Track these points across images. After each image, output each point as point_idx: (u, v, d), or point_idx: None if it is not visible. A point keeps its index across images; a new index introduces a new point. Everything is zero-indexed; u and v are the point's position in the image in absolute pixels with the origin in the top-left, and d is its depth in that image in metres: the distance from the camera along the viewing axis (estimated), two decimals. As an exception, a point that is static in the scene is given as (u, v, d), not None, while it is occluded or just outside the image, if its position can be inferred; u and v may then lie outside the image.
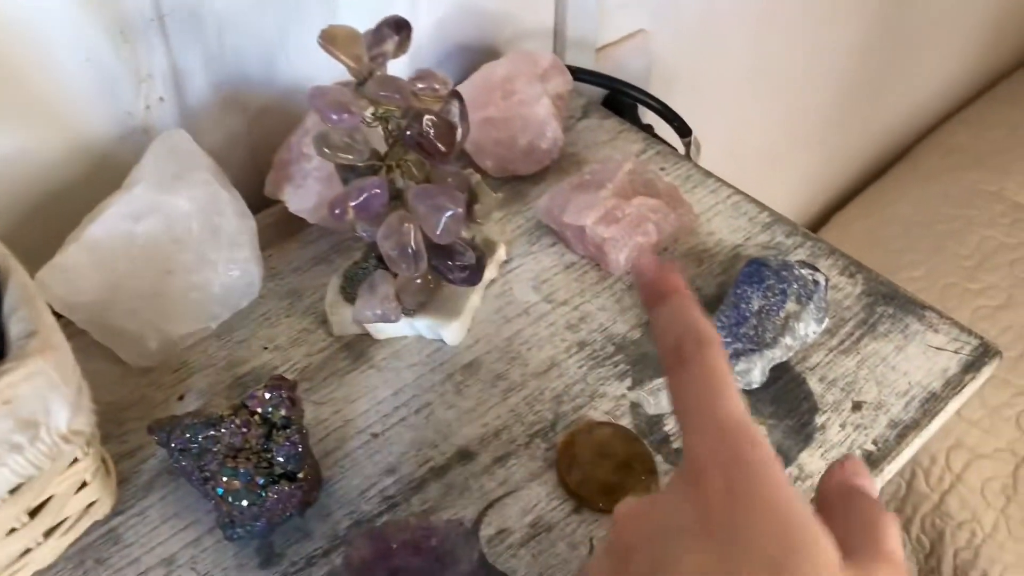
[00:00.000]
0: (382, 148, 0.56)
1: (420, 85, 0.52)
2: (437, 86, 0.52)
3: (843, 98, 1.48)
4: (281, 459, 0.51)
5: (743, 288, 0.61)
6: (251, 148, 0.73)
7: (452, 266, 0.57)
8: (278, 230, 0.72)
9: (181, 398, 0.61)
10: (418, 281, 0.58)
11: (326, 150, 0.51)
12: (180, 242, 0.59)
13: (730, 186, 0.75)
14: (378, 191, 0.51)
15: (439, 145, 0.51)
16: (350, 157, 0.52)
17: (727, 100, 1.24)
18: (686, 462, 0.31)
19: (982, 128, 1.63)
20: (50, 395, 0.46)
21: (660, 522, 0.31)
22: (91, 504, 0.54)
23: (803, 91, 1.38)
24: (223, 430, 0.52)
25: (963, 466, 1.17)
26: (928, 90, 1.69)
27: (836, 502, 0.34)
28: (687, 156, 0.80)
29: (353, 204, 0.51)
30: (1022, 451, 1.17)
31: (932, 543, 1.18)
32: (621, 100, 0.89)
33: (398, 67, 0.70)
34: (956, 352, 0.62)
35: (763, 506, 0.29)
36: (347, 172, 0.55)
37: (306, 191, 0.66)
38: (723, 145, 1.25)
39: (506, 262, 0.69)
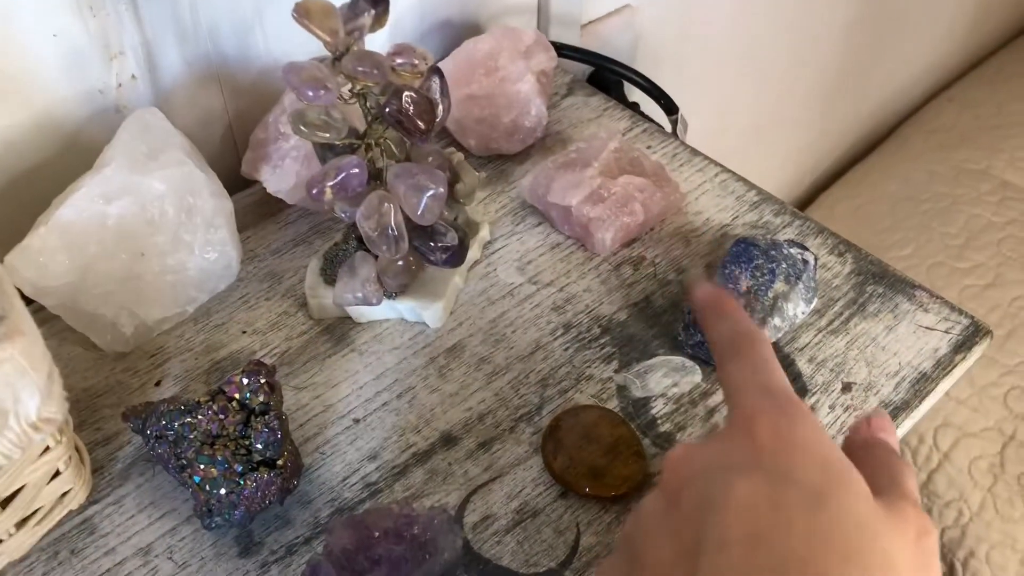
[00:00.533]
0: (361, 126, 0.55)
1: (399, 60, 0.50)
2: (416, 61, 0.50)
3: (830, 77, 1.47)
4: (260, 446, 0.50)
5: (731, 268, 0.60)
6: (227, 127, 0.71)
7: (434, 247, 0.55)
8: (256, 211, 0.70)
9: (158, 384, 0.59)
10: (399, 263, 0.57)
11: (303, 128, 0.49)
12: (154, 224, 0.57)
13: (718, 164, 0.73)
14: (356, 170, 0.50)
15: (419, 122, 0.50)
16: (327, 135, 0.50)
17: (713, 78, 1.22)
18: (735, 417, 0.35)
19: (968, 106, 1.62)
20: (19, 382, 0.44)
21: (710, 461, 0.34)
22: (65, 493, 0.52)
23: (790, 70, 1.37)
24: (200, 417, 0.50)
25: (950, 445, 1.17)
26: (914, 69, 1.68)
27: (861, 450, 0.38)
28: (674, 134, 0.79)
29: (331, 184, 0.49)
30: (1009, 430, 1.17)
31: (919, 522, 1.18)
32: (606, 77, 0.87)
33: (377, 43, 0.69)
34: (947, 332, 0.61)
35: (806, 445, 0.33)
36: (325, 151, 0.53)
37: (284, 171, 0.65)
38: (708, 124, 1.23)
39: (489, 243, 0.68)
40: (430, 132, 0.51)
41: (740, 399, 0.36)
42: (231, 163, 0.70)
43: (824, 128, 1.56)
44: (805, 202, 1.65)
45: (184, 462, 0.50)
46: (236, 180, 0.69)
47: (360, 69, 0.48)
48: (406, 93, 0.50)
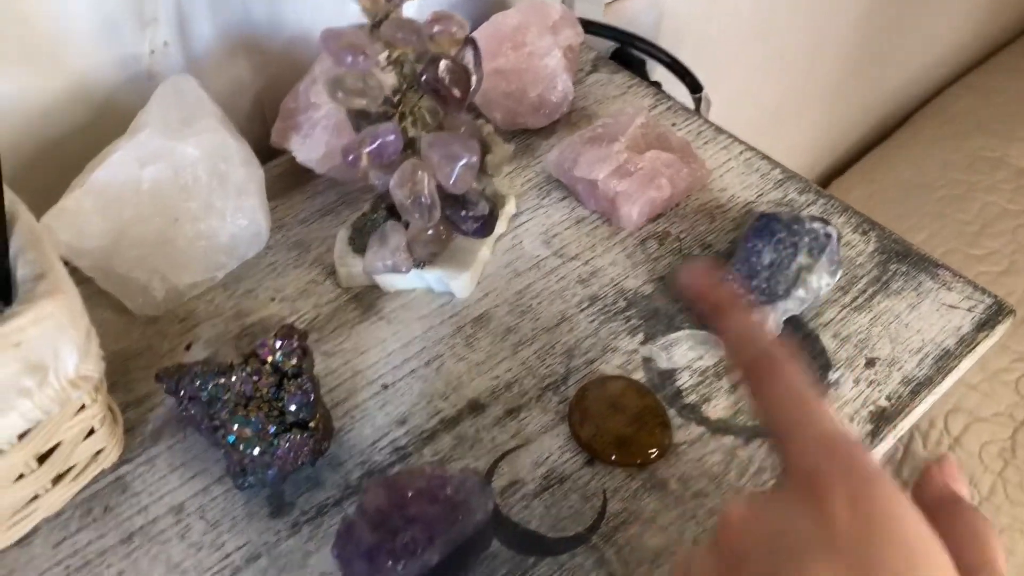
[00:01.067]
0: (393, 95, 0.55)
1: (437, 28, 0.50)
2: (454, 29, 0.50)
3: (848, 62, 1.47)
4: (293, 408, 0.51)
5: (754, 242, 0.61)
6: (257, 96, 0.72)
7: (465, 216, 0.56)
8: (283, 182, 0.71)
9: (188, 348, 0.60)
10: (430, 232, 0.57)
11: (340, 94, 0.50)
12: (187, 189, 0.57)
13: (742, 142, 0.74)
14: (392, 137, 0.50)
15: (454, 91, 0.50)
16: (364, 102, 0.51)
17: (733, 60, 1.22)
18: (797, 473, 0.31)
19: (985, 94, 1.62)
20: (59, 339, 0.45)
21: (778, 531, 0.30)
22: (99, 452, 0.53)
23: (809, 54, 1.37)
24: (233, 378, 0.51)
25: (961, 429, 1.17)
26: (931, 56, 1.68)
27: (940, 511, 0.33)
28: (697, 112, 0.79)
29: (367, 150, 0.50)
30: (1021, 415, 1.17)
31: (928, 506, 1.18)
32: (629, 56, 0.87)
33: (408, 14, 0.69)
34: (969, 311, 0.62)
35: (888, 523, 0.29)
36: (359, 118, 0.53)
37: (314, 141, 0.65)
38: (726, 106, 1.23)
39: (515, 216, 0.68)
40: (465, 101, 0.51)
41: (795, 446, 0.32)
42: (259, 133, 0.71)
43: (839, 114, 1.56)
44: (820, 186, 1.64)
45: (217, 423, 0.51)
46: (263, 151, 0.69)
47: (399, 35, 0.48)
48: (443, 61, 0.50)
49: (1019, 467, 1.14)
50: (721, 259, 0.64)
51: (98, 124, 0.62)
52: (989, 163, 1.45)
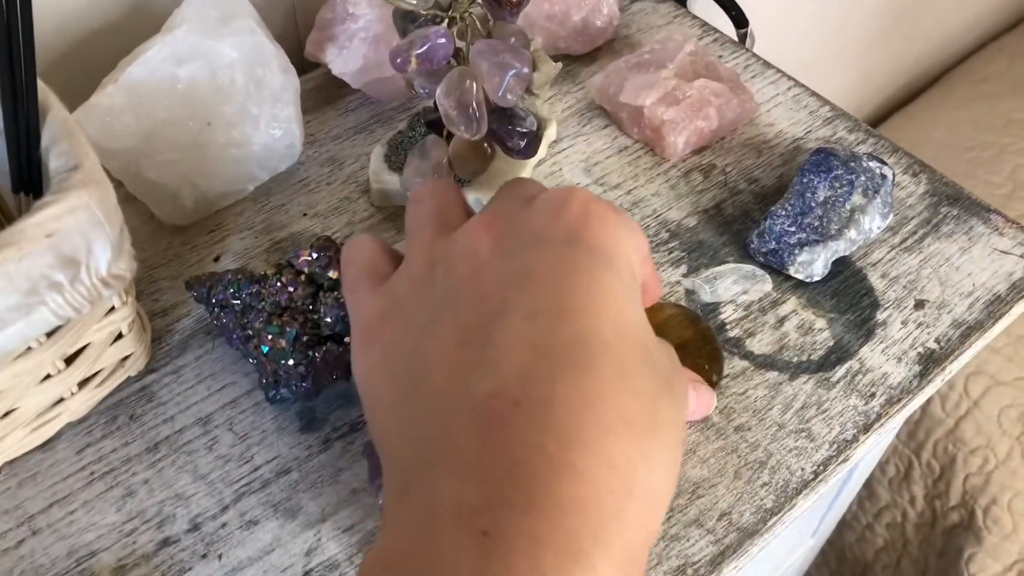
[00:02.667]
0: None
1: (495, -74, 0.48)
2: (514, -73, 0.48)
3: (882, 18, 1.43)
4: (329, 320, 0.49)
5: (809, 177, 0.58)
6: (290, 7, 0.69)
7: (512, 131, 0.53)
8: (315, 97, 0.68)
9: (217, 259, 0.58)
10: (473, 148, 0.55)
11: (390, -8, 0.47)
12: (223, 92, 0.55)
13: (791, 78, 0.71)
14: (443, 40, 0.48)
15: (511, -6, 0.48)
16: (414, 3, 0.48)
17: (768, 9, 1.19)
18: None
19: (1018, 57, 1.58)
20: (93, 232, 0.43)
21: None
22: (126, 357, 0.51)
23: (845, 7, 1.33)
24: (268, 288, 0.49)
25: (981, 392, 1.16)
26: (964, 16, 1.64)
27: None
28: (743, 46, 0.76)
29: (417, 53, 0.47)
30: (1042, 381, 1.16)
31: (943, 468, 1.17)
32: (672, -11, 0.84)
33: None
34: (1022, 256, 0.60)
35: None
36: (406, 22, 0.51)
37: (351, 53, 0.63)
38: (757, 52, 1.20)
39: (555, 143, 0.66)
40: (520, 6, 0.49)
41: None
42: (291, 45, 0.68)
43: (872, 70, 1.53)
44: (843, 147, 1.62)
45: (250, 332, 0.49)
46: (296, 64, 0.67)
47: (456, -69, 0.46)
48: (500, -38, 0.48)
49: (1038, 432, 1.13)
50: (771, 195, 0.62)
51: (129, 22, 0.60)
52: (1021, 126, 1.42)
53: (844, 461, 0.50)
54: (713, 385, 0.52)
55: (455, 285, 0.33)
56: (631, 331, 0.31)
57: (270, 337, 0.48)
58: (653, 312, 0.54)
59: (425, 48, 0.48)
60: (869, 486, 1.26)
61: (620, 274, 0.32)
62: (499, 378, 0.28)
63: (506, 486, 0.26)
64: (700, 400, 0.45)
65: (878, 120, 1.61)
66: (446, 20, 0.51)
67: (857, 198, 0.58)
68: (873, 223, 0.58)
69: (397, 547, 0.27)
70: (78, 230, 0.43)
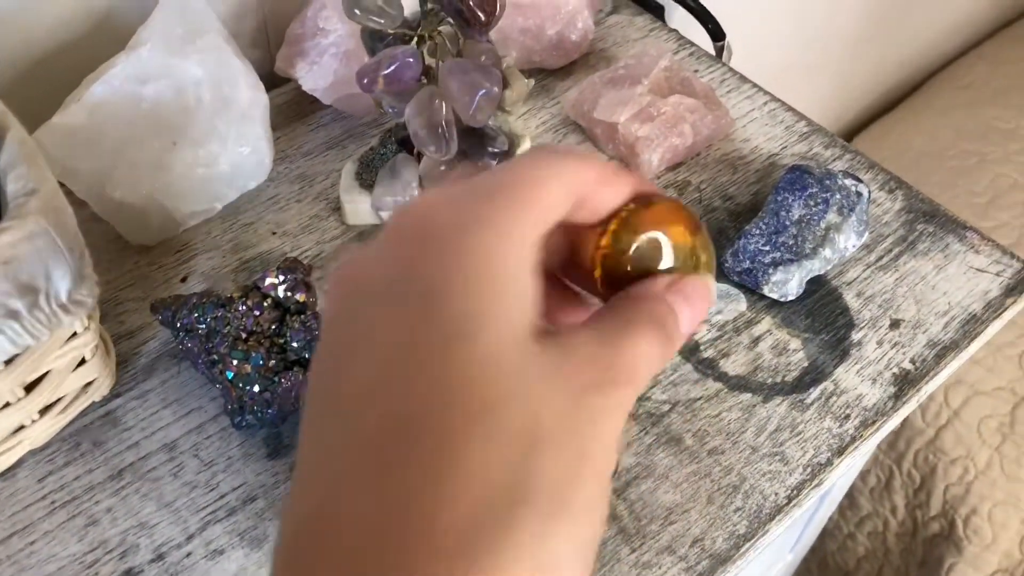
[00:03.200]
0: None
1: (463, -55, 0.47)
2: (482, -53, 0.47)
3: (862, 26, 1.43)
4: (295, 345, 0.48)
5: (784, 195, 0.58)
6: (261, 22, 0.68)
7: (483, 152, 0.53)
8: (286, 112, 0.67)
9: (184, 280, 0.57)
10: (443, 167, 0.54)
11: (357, 12, 0.46)
12: (188, 112, 0.54)
13: (767, 93, 0.71)
14: (411, 60, 0.47)
15: (479, 13, 0.47)
16: (382, 21, 0.47)
17: (747, 15, 1.19)
18: None
19: (1000, 64, 1.58)
20: (51, 259, 0.42)
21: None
22: (89, 383, 0.50)
23: (825, 14, 1.33)
24: (233, 311, 0.49)
25: (961, 403, 1.16)
26: (945, 23, 1.64)
27: None
28: (719, 60, 0.76)
29: (384, 73, 0.47)
30: (1022, 391, 1.16)
31: (923, 478, 1.17)
32: (648, 1, 0.84)
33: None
34: (998, 275, 0.60)
35: None
36: (375, 41, 0.50)
37: (322, 68, 0.62)
38: (737, 62, 1.20)
39: (530, 158, 0.65)
40: (490, 26, 0.48)
41: None
42: (262, 60, 0.67)
43: (851, 79, 1.53)
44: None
45: (215, 357, 0.48)
46: (264, 81, 0.66)
47: (423, -50, 0.45)
48: (468, -19, 0.47)
49: (1017, 442, 1.13)
50: (746, 212, 0.62)
51: (95, 38, 0.59)
52: (1002, 134, 1.42)
53: (818, 485, 0.50)
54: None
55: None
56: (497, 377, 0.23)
57: (235, 363, 0.47)
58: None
59: (392, 68, 0.47)
60: (850, 495, 1.25)
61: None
62: (382, 408, 0.22)
63: (400, 520, 0.20)
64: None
65: (858, 128, 1.61)
66: (415, 39, 0.50)
67: (832, 216, 0.57)
68: (848, 241, 0.58)
69: None
70: (36, 257, 0.42)
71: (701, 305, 0.27)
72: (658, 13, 0.85)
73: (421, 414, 0.21)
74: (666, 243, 0.27)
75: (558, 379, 0.22)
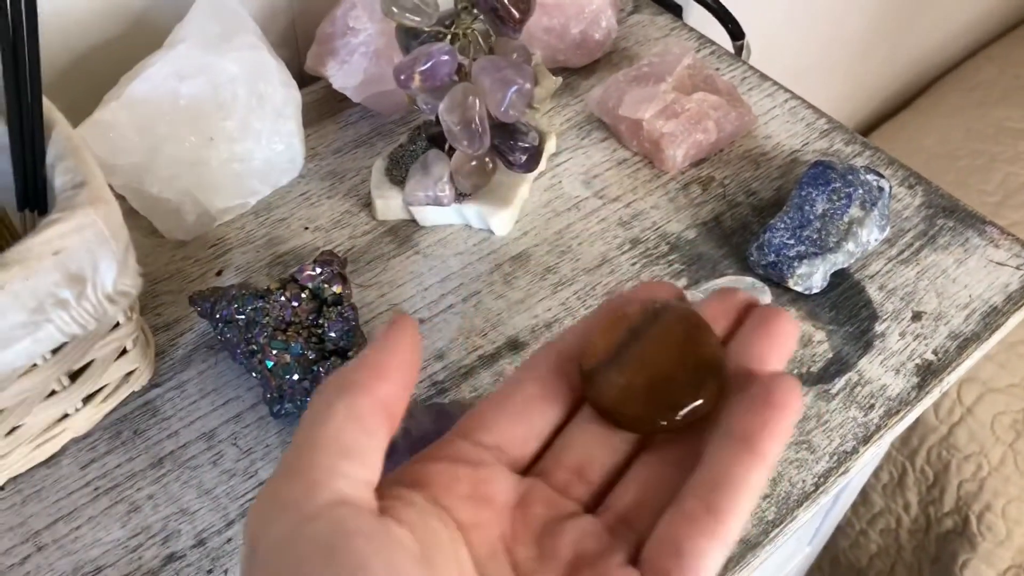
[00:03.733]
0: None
1: (498, -56, 0.48)
2: (517, -54, 0.48)
3: (874, 27, 1.44)
4: (333, 335, 0.49)
5: (808, 190, 0.59)
6: (290, 22, 0.69)
7: (514, 147, 0.54)
8: (316, 110, 0.69)
9: (219, 273, 0.58)
10: (474, 163, 0.56)
11: (394, 9, 0.48)
12: (225, 108, 0.55)
13: (787, 90, 0.72)
14: (447, 57, 0.48)
15: (513, 10, 0.48)
16: (418, 19, 0.49)
17: (760, 17, 1.20)
18: None
19: (1009, 65, 1.59)
20: (99, 250, 0.43)
21: None
22: (130, 373, 0.51)
23: (836, 16, 1.34)
24: (272, 303, 0.50)
25: (975, 399, 1.17)
26: (954, 24, 1.65)
27: None
28: (740, 58, 0.77)
29: (421, 69, 0.48)
30: (1034, 388, 1.17)
31: (936, 475, 1.18)
32: (668, 1, 0.85)
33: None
34: (1018, 268, 0.61)
35: None
36: (409, 39, 0.51)
37: (351, 67, 0.63)
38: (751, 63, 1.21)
39: (554, 155, 0.66)
40: (524, 23, 0.49)
41: None
42: (292, 59, 0.68)
43: (861, 80, 1.54)
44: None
45: (255, 347, 0.49)
46: (295, 78, 0.67)
47: (460, -51, 0.46)
48: (503, -20, 0.48)
49: (1030, 439, 1.14)
50: (769, 207, 0.63)
51: (131, 37, 0.60)
52: (1013, 134, 1.43)
53: (844, 472, 0.51)
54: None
55: None
56: None
57: (275, 352, 0.48)
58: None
59: (429, 65, 0.48)
60: (864, 492, 1.26)
61: None
62: None
63: None
64: None
65: (870, 128, 1.62)
66: (449, 36, 0.51)
67: (855, 211, 0.58)
68: (871, 235, 0.59)
69: None
70: (85, 248, 0.43)
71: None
72: (676, 12, 0.86)
73: None
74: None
75: None
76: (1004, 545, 1.12)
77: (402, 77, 0.48)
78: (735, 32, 0.79)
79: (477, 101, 0.51)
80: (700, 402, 0.26)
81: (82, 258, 0.43)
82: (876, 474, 1.25)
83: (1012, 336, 1.19)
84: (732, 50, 0.82)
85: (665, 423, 0.27)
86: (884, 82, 1.62)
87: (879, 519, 1.27)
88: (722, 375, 0.27)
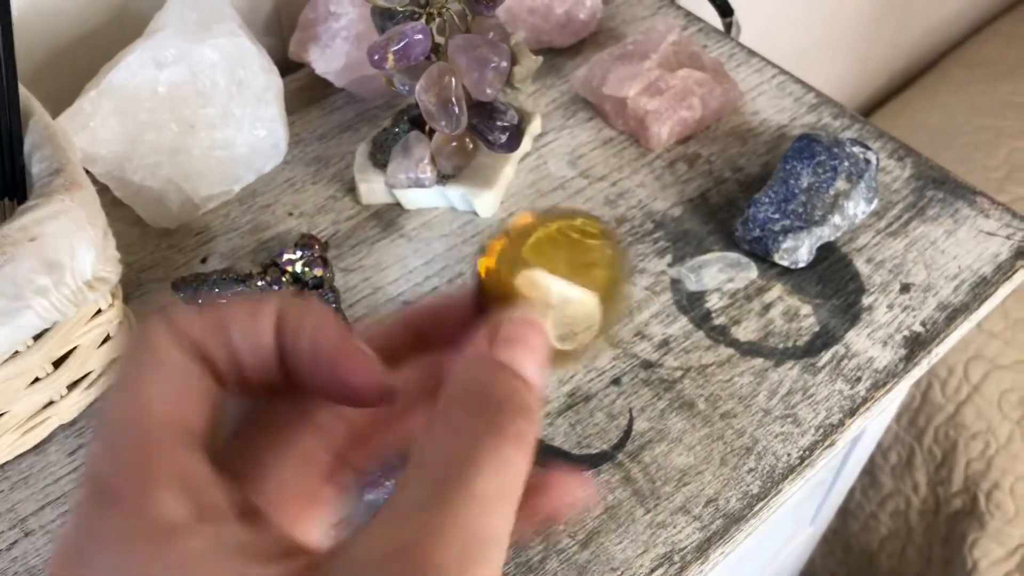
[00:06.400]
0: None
1: (468, -78, 0.48)
2: (487, -78, 0.48)
3: (877, 4, 1.43)
4: (313, 317, 0.49)
5: (792, 164, 0.59)
6: (275, 8, 0.69)
7: (493, 126, 0.54)
8: (300, 97, 0.69)
9: (204, 261, 0.59)
10: (454, 143, 0.56)
11: (366, -10, 0.48)
12: (205, 95, 0.55)
13: (775, 66, 0.71)
14: (420, 36, 0.48)
15: (487, -11, 0.48)
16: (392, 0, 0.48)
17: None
18: None
19: (1016, 40, 1.58)
20: (76, 236, 0.44)
21: None
22: (114, 359, 0.52)
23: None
24: (254, 287, 0.50)
25: (981, 377, 1.16)
26: (961, 0, 1.63)
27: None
28: (728, 35, 0.76)
29: (394, 49, 0.48)
30: (1042, 364, 1.16)
31: (944, 453, 1.17)
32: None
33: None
34: (1008, 238, 0.60)
35: None
36: (384, 19, 0.51)
37: (334, 52, 0.63)
38: (752, 43, 1.20)
39: (540, 136, 0.66)
40: (498, 2, 0.49)
41: None
42: (276, 46, 0.68)
43: (865, 58, 1.52)
44: (840, 135, 1.61)
45: (237, 331, 0.50)
46: (279, 67, 0.67)
47: (429, -74, 0.46)
48: (474, -43, 0.48)
49: (1038, 415, 1.13)
50: (756, 183, 0.63)
51: (112, 28, 0.60)
52: (1018, 109, 1.42)
53: (830, 446, 0.50)
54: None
55: None
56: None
57: (255, 335, 0.48)
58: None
59: (402, 45, 0.48)
60: (872, 474, 1.25)
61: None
62: None
63: None
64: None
65: (875, 107, 1.60)
66: (424, 16, 0.51)
67: (841, 183, 0.58)
68: (858, 208, 0.59)
69: None
70: (62, 233, 0.43)
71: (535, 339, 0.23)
72: (666, -8, 0.86)
73: None
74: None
75: None
76: (1013, 523, 1.11)
77: (376, 57, 0.48)
78: (724, 9, 0.79)
79: (453, 80, 0.51)
80: None
81: (59, 244, 0.43)
82: (884, 455, 1.24)
83: (1017, 311, 1.18)
84: (722, 27, 0.81)
85: None
86: (889, 60, 1.61)
87: (888, 501, 1.26)
88: None
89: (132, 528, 0.19)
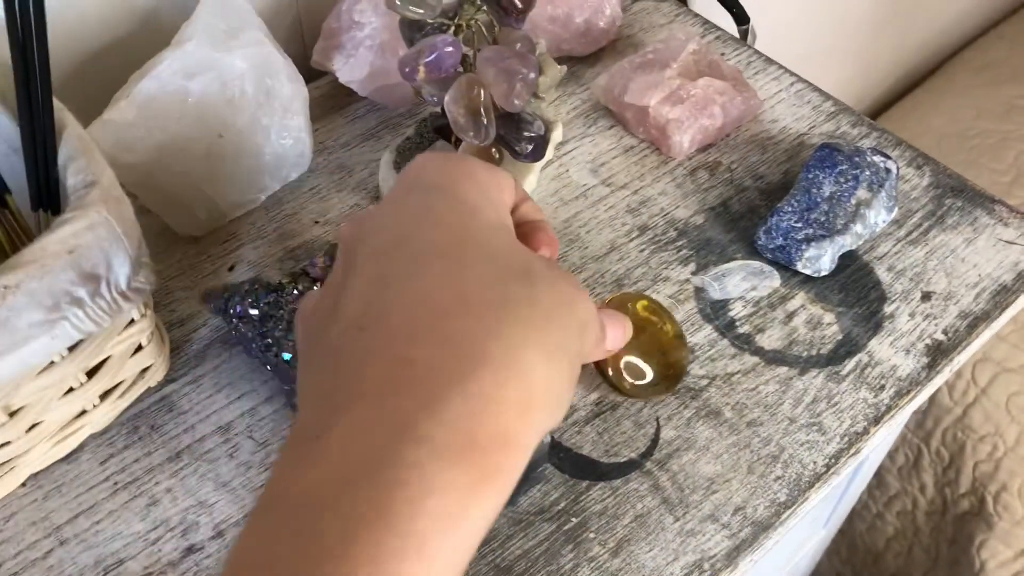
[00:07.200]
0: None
1: (499, -65, 0.48)
2: (518, -64, 0.48)
3: (882, 8, 1.44)
4: (345, 327, 0.50)
5: (815, 173, 0.59)
6: (297, 17, 0.70)
7: (520, 136, 0.54)
8: (323, 105, 0.69)
9: (231, 269, 0.59)
10: (481, 154, 0.56)
11: (397, 2, 0.48)
12: (233, 104, 0.56)
13: (793, 74, 0.72)
14: (451, 49, 0.49)
15: (516, 1, 0.48)
16: (421, 11, 0.49)
17: (768, 2, 1.19)
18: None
19: (1019, 43, 1.58)
20: (112, 248, 0.44)
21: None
22: (146, 369, 0.52)
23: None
24: (285, 297, 0.50)
25: (989, 380, 1.16)
26: (966, 3, 1.64)
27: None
28: (745, 43, 0.77)
29: (425, 62, 0.48)
30: (1049, 367, 1.16)
31: (952, 456, 1.18)
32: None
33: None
34: (1027, 246, 0.61)
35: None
36: (413, 31, 0.52)
37: (357, 61, 0.63)
38: (758, 48, 1.20)
39: (561, 144, 0.66)
40: (527, 12, 0.49)
41: None
42: (298, 55, 0.69)
43: (872, 60, 1.53)
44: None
45: (270, 341, 0.50)
46: (301, 74, 0.67)
47: (462, -59, 0.46)
48: (505, -30, 0.48)
49: (1046, 418, 1.13)
50: (776, 191, 0.63)
51: (138, 36, 0.61)
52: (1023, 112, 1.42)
53: (855, 453, 0.51)
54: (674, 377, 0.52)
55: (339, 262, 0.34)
56: (472, 235, 0.30)
57: (292, 344, 0.49)
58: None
59: (433, 57, 0.49)
60: (879, 475, 1.26)
61: (459, 195, 0.32)
62: (347, 316, 0.29)
63: (337, 394, 0.27)
64: (613, 324, 0.36)
65: (879, 110, 1.61)
66: (452, 28, 0.51)
67: (862, 192, 0.58)
68: (879, 217, 0.59)
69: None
70: (98, 246, 0.43)
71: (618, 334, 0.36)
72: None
73: (444, 245, 0.29)
74: None
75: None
76: (1021, 525, 1.12)
77: (407, 70, 0.49)
78: (740, 16, 0.79)
79: (482, 91, 0.51)
80: None
81: (96, 256, 0.43)
82: (892, 457, 1.25)
83: (1026, 315, 1.18)
84: (737, 35, 0.82)
85: None
86: (894, 63, 1.62)
87: (895, 502, 1.27)
88: None
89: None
